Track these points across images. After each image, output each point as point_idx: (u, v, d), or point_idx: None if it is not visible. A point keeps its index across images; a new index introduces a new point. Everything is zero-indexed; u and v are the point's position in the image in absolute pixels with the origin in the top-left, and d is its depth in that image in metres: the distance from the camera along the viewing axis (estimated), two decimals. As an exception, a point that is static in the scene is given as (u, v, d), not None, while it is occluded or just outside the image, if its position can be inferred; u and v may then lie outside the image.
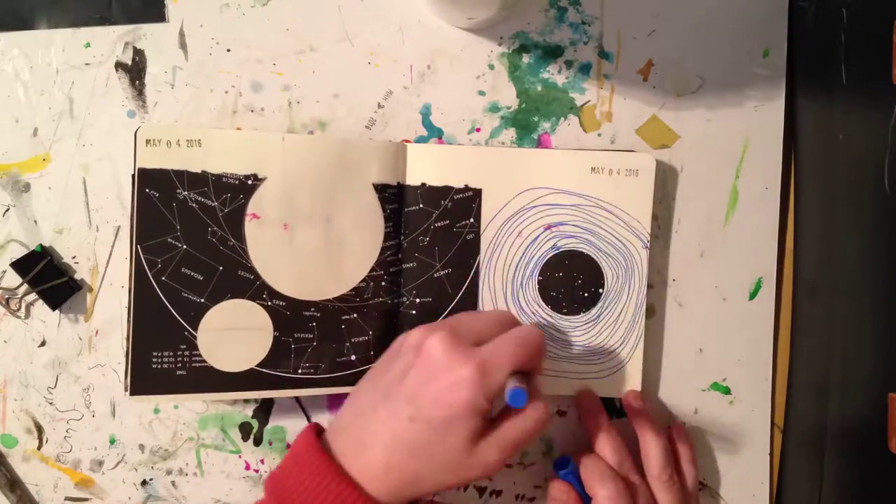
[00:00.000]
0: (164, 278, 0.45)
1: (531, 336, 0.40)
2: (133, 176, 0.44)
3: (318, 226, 0.46)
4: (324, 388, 0.46)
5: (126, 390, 0.44)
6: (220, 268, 0.45)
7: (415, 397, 0.38)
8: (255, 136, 0.46)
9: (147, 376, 0.44)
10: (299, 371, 0.46)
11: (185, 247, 0.45)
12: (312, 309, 0.46)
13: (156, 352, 0.45)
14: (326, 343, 0.46)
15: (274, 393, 0.46)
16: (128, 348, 0.44)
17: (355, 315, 0.46)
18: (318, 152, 0.46)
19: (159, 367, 0.45)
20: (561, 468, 0.46)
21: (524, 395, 0.36)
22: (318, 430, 0.41)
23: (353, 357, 0.47)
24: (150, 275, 0.44)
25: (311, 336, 0.46)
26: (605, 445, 0.46)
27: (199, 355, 0.45)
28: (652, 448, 0.45)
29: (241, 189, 0.45)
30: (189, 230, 0.45)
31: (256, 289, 0.45)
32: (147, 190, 0.44)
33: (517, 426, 0.39)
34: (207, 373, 0.45)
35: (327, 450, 0.39)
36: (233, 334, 0.45)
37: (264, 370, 0.45)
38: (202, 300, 0.45)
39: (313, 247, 0.46)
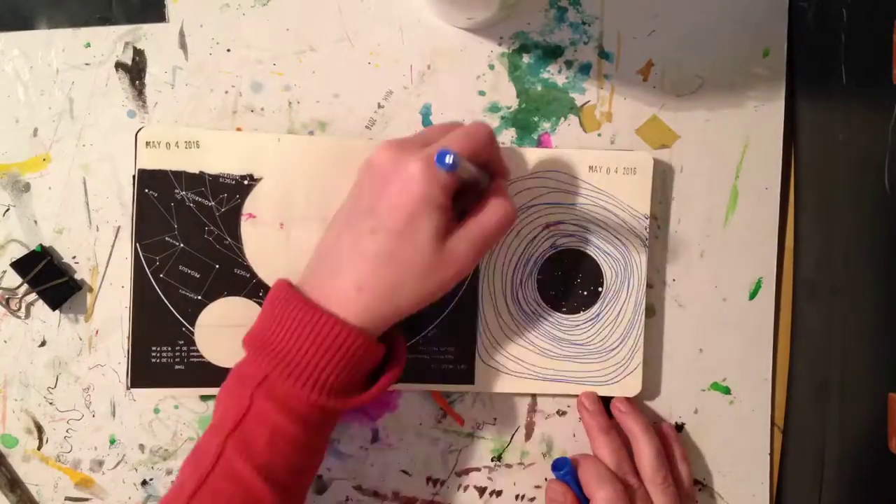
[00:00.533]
0: (162, 276, 0.46)
1: (476, 126, 0.40)
2: (134, 177, 0.45)
3: (314, 226, 0.46)
4: None
5: (127, 386, 0.45)
6: (217, 266, 0.46)
7: (372, 210, 0.38)
8: (252, 137, 0.46)
9: (146, 370, 0.46)
10: None
11: (182, 245, 0.46)
12: (310, 308, 0.46)
13: (155, 347, 0.46)
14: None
15: None
16: (129, 345, 0.46)
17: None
18: (313, 153, 0.46)
19: (158, 361, 0.46)
20: (558, 469, 0.46)
21: (451, 155, 0.35)
22: (290, 283, 0.40)
23: None
24: (148, 272, 0.46)
25: None
26: (604, 447, 0.45)
27: (197, 351, 0.46)
28: (645, 451, 0.45)
29: (238, 189, 0.46)
30: (186, 229, 0.46)
31: (252, 287, 0.46)
32: (146, 190, 0.45)
33: (483, 219, 0.39)
34: (205, 368, 0.46)
35: (299, 291, 0.39)
36: (229, 331, 0.46)
37: None
38: (199, 297, 0.46)
39: (309, 246, 0.45)
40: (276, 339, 0.38)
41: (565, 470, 0.45)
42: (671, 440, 0.48)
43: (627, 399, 0.48)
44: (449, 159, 0.35)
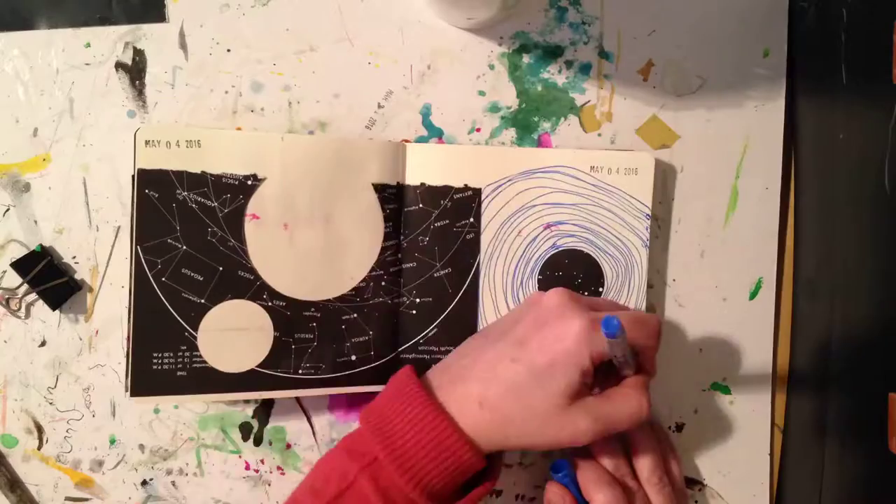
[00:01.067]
0: (164, 279, 0.44)
1: (647, 315, 0.41)
2: (133, 177, 0.44)
3: (318, 226, 0.46)
4: (324, 388, 0.46)
5: (126, 391, 0.44)
6: (220, 268, 0.45)
7: (522, 340, 0.40)
8: (255, 137, 0.46)
9: (148, 377, 0.44)
10: (300, 371, 0.46)
11: (184, 247, 0.45)
12: (312, 309, 0.46)
13: (156, 353, 0.44)
14: (327, 343, 0.46)
15: (275, 394, 0.46)
16: (128, 349, 0.44)
17: (355, 315, 0.46)
18: (317, 152, 0.46)
19: (160, 367, 0.44)
20: (557, 472, 0.46)
21: (617, 325, 0.36)
22: (416, 371, 0.42)
23: (353, 357, 0.47)
24: (150, 275, 0.44)
25: (312, 336, 0.46)
26: (602, 450, 0.45)
27: (200, 356, 0.45)
28: (641, 450, 0.45)
29: (241, 189, 0.45)
30: (189, 231, 0.45)
31: (256, 289, 0.45)
32: (146, 191, 0.44)
33: (615, 403, 0.40)
34: (208, 373, 0.45)
35: (426, 385, 0.40)
36: (233, 335, 0.45)
37: (265, 371, 0.45)
38: (202, 301, 0.45)
39: (313, 247, 0.46)
40: (394, 426, 0.39)
41: (564, 472, 0.45)
42: (661, 437, 0.48)
43: None
44: (615, 326, 0.36)
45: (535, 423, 0.39)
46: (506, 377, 0.39)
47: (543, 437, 0.39)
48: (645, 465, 0.45)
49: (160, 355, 0.45)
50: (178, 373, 0.45)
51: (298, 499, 0.40)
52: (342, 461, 0.40)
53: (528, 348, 0.39)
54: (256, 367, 0.45)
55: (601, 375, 0.42)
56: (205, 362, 0.45)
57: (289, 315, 0.46)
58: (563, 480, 0.45)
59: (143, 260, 0.44)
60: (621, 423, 0.40)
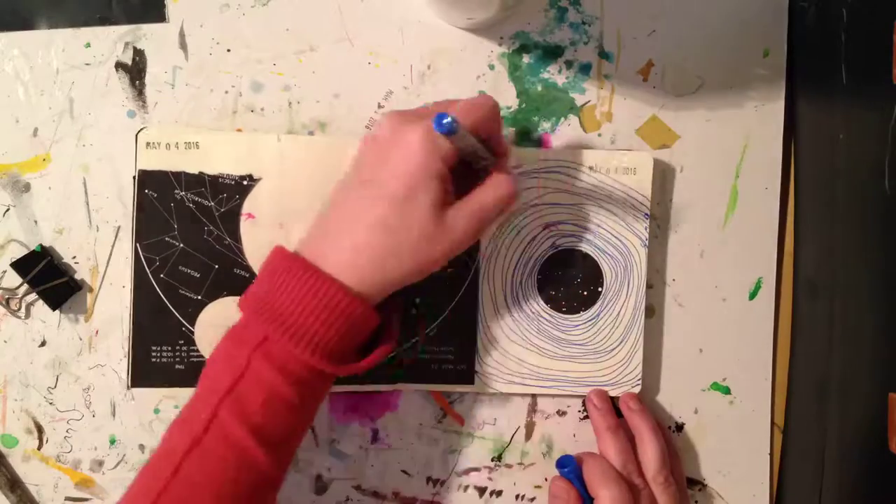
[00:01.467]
0: (162, 276, 0.46)
1: (481, 97, 0.40)
2: (134, 178, 0.45)
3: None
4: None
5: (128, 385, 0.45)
6: (216, 266, 0.46)
7: (372, 180, 0.38)
8: (252, 138, 0.46)
9: (147, 369, 0.46)
10: None
11: (182, 245, 0.46)
12: (311, 308, 0.46)
13: (155, 346, 0.46)
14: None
15: None
16: (130, 343, 0.46)
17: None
18: (313, 153, 0.46)
19: (159, 361, 0.46)
20: (563, 467, 0.46)
21: (450, 120, 0.34)
22: (286, 250, 0.40)
23: None
24: (149, 272, 0.46)
25: None
26: (610, 446, 0.46)
27: (197, 351, 0.46)
28: (649, 449, 0.45)
29: (237, 189, 0.46)
30: (186, 229, 0.46)
31: None
32: (146, 191, 0.46)
33: (482, 194, 0.39)
34: None
35: (296, 253, 0.39)
36: None
37: None
38: (199, 297, 0.46)
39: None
40: (276, 302, 0.38)
41: (570, 468, 0.45)
42: (665, 438, 0.48)
43: (637, 396, 0.48)
44: (446, 122, 0.34)
45: (416, 247, 0.38)
46: (371, 217, 0.38)
47: (428, 255, 0.38)
48: (652, 463, 0.45)
49: (159, 349, 0.46)
50: (177, 366, 0.46)
51: (191, 403, 0.38)
52: (229, 352, 0.38)
53: (381, 182, 0.38)
54: None
55: (464, 180, 0.40)
56: (201, 357, 0.46)
57: None
58: (569, 476, 0.45)
59: (142, 257, 0.46)
60: (495, 209, 0.40)
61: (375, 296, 0.39)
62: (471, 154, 0.39)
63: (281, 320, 0.37)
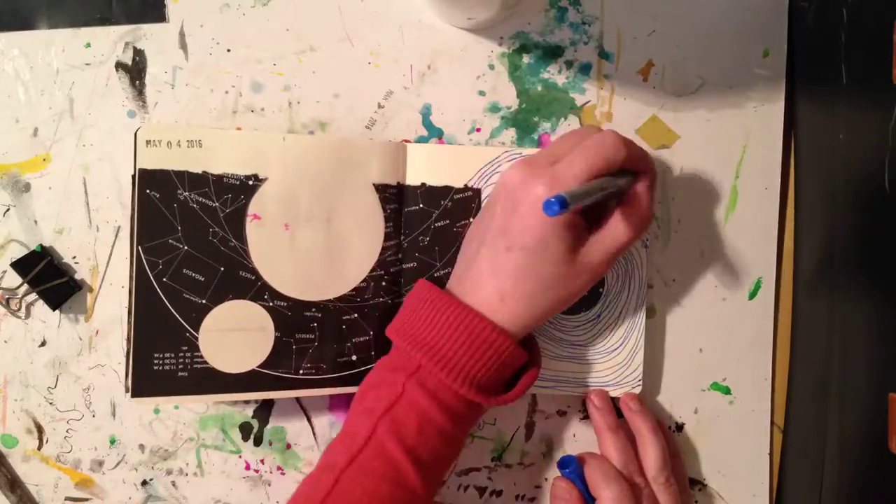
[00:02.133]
0: (165, 279, 0.44)
1: (602, 137, 0.40)
2: (133, 177, 0.44)
3: (319, 226, 0.46)
4: (325, 388, 0.46)
5: (127, 392, 0.44)
6: (222, 269, 0.45)
7: (505, 229, 0.40)
8: (256, 137, 0.45)
9: (148, 378, 0.44)
10: (301, 372, 0.46)
11: (186, 248, 0.44)
12: (313, 309, 0.46)
13: (157, 353, 0.44)
14: (328, 343, 0.46)
15: (276, 394, 0.46)
16: (128, 350, 0.44)
17: (356, 315, 0.46)
18: (318, 152, 0.46)
19: (161, 368, 0.44)
20: (565, 467, 0.46)
21: (556, 201, 0.34)
22: (434, 285, 0.43)
23: (354, 357, 0.46)
24: (151, 276, 0.44)
25: (313, 336, 0.46)
26: (611, 446, 0.46)
27: (201, 356, 0.44)
28: (650, 449, 0.45)
29: (242, 189, 0.45)
30: (190, 231, 0.44)
31: (258, 289, 0.45)
32: (148, 191, 0.44)
33: (614, 227, 0.41)
34: (209, 374, 0.45)
35: (446, 290, 0.43)
36: (234, 335, 0.45)
37: (266, 371, 0.45)
38: (203, 301, 0.45)
39: (314, 247, 0.46)
40: (429, 334, 0.40)
41: (571, 468, 0.45)
42: (667, 438, 0.48)
43: (637, 397, 0.48)
44: (553, 208, 0.34)
45: (554, 288, 0.40)
46: (510, 268, 0.40)
47: (568, 292, 0.41)
48: (653, 463, 0.45)
49: (161, 356, 0.44)
50: (180, 373, 0.44)
51: (350, 423, 0.41)
52: (386, 377, 0.41)
53: (513, 234, 0.40)
54: (257, 367, 0.45)
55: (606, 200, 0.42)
56: (206, 363, 0.45)
57: (290, 315, 0.45)
58: (570, 476, 0.45)
59: (144, 260, 0.44)
60: (628, 240, 0.41)
61: (520, 333, 0.41)
62: (600, 196, 0.39)
63: (434, 352, 0.40)
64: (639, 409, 0.47)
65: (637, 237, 0.41)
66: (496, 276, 0.40)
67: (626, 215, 0.41)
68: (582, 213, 0.41)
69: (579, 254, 0.40)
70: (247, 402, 0.49)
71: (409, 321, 0.42)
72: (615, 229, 0.41)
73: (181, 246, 0.44)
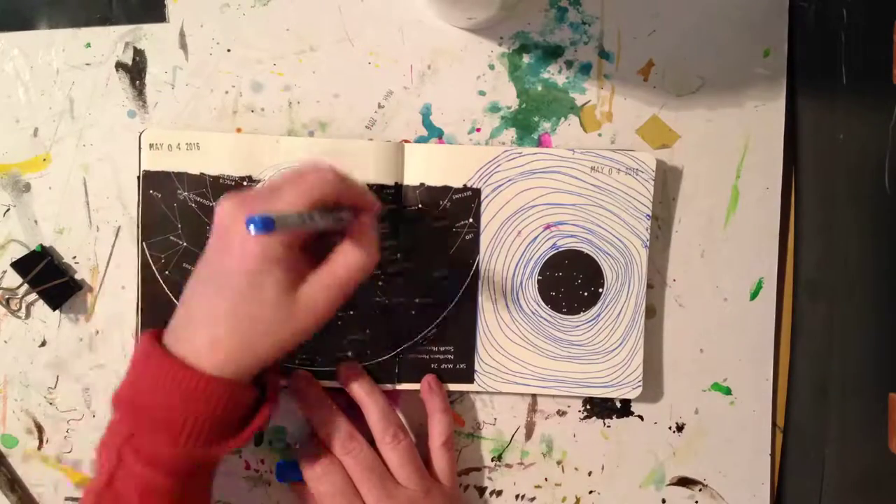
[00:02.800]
0: (167, 272, 0.47)
1: (315, 171, 0.39)
2: (138, 178, 0.46)
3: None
4: (320, 380, 0.47)
5: None
6: None
7: (218, 270, 0.38)
8: (251, 139, 0.47)
9: None
10: (296, 362, 0.47)
11: (185, 244, 0.46)
12: (308, 305, 0.47)
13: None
14: (323, 338, 0.46)
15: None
16: (137, 337, 0.47)
17: (352, 313, 0.47)
18: (312, 154, 0.46)
19: None
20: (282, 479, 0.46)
21: (260, 220, 0.33)
22: (158, 335, 0.40)
23: (349, 354, 0.47)
24: (155, 269, 0.46)
25: None
26: (322, 427, 0.45)
27: None
28: (368, 412, 0.45)
29: (238, 190, 0.45)
30: (189, 228, 0.46)
31: None
32: (151, 191, 0.46)
33: (335, 266, 0.39)
34: None
35: (162, 345, 0.39)
36: None
37: None
38: None
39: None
40: (141, 394, 0.38)
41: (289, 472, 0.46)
42: (433, 392, 0.47)
43: (354, 366, 0.47)
44: (254, 227, 0.33)
45: (272, 332, 0.38)
46: (221, 310, 0.38)
47: (288, 335, 0.38)
48: (375, 426, 0.45)
49: None
50: None
51: (83, 494, 0.39)
52: (107, 445, 0.39)
53: (225, 273, 0.38)
54: None
55: (328, 237, 0.40)
56: None
57: None
58: (293, 478, 0.45)
59: (148, 255, 0.46)
60: (349, 280, 0.39)
61: (243, 375, 0.39)
62: (316, 226, 0.38)
63: (144, 413, 0.37)
64: (354, 374, 0.46)
65: (359, 274, 0.39)
66: (209, 322, 0.38)
67: (345, 252, 0.39)
68: (309, 254, 0.40)
69: (298, 296, 0.38)
70: (246, 402, 0.49)
71: (128, 381, 0.39)
72: (334, 266, 0.39)
73: (181, 242, 0.46)
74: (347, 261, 0.39)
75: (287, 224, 0.35)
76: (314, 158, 0.44)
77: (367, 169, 0.46)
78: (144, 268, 0.46)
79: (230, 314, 0.37)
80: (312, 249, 0.40)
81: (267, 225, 0.33)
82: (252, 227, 0.33)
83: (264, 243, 0.37)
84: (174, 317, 0.40)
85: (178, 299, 0.46)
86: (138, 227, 0.46)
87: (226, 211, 0.38)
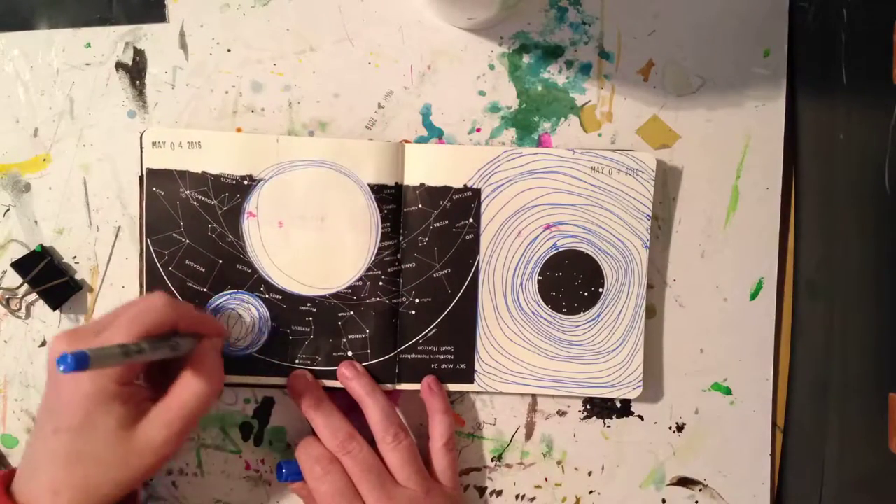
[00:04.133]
0: (170, 269, 0.47)
1: (147, 300, 0.38)
2: (141, 177, 0.46)
3: (312, 224, 0.47)
4: (320, 380, 0.47)
5: None
6: (220, 261, 0.47)
7: (52, 409, 0.37)
8: (251, 138, 0.47)
9: None
10: (296, 361, 0.47)
11: (188, 241, 0.47)
12: (308, 304, 0.47)
13: None
14: (323, 338, 0.47)
15: (270, 380, 0.47)
16: None
17: (352, 313, 0.47)
18: (311, 154, 0.46)
19: None
20: (282, 476, 0.46)
21: (69, 359, 0.31)
22: (8, 479, 0.39)
23: (349, 353, 0.47)
24: (158, 265, 0.47)
25: (308, 330, 0.47)
26: (321, 427, 0.45)
27: None
28: (369, 413, 0.45)
29: (238, 188, 0.47)
30: (191, 226, 0.47)
31: (254, 282, 0.47)
32: (154, 188, 0.47)
33: (173, 400, 0.38)
34: None
35: (9, 493, 0.37)
36: (234, 321, 0.47)
37: (262, 357, 0.47)
38: (205, 290, 0.47)
39: (307, 245, 0.47)
40: None
41: (288, 471, 0.45)
42: (433, 393, 0.47)
43: (352, 364, 0.47)
44: (63, 367, 0.31)
45: (113, 471, 0.36)
46: (61, 452, 0.36)
47: (132, 472, 0.37)
48: (376, 426, 0.44)
49: None
50: None
51: None
52: None
53: (60, 413, 0.36)
54: (255, 353, 0.47)
55: (173, 364, 0.39)
56: None
57: (285, 308, 0.47)
58: (293, 478, 0.45)
59: (152, 251, 0.47)
60: (189, 412, 0.38)
61: None
62: (145, 358, 0.37)
63: None
64: (354, 374, 0.46)
65: (199, 407, 0.38)
66: (49, 464, 0.36)
67: (183, 385, 0.38)
68: (157, 383, 0.39)
69: (136, 433, 0.37)
70: (247, 401, 0.49)
71: None
72: (172, 401, 0.38)
73: (183, 239, 0.47)
74: (186, 395, 0.38)
75: (107, 358, 0.34)
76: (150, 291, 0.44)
77: (367, 169, 0.46)
78: (148, 263, 0.47)
79: (70, 454, 0.36)
80: (160, 378, 0.39)
81: (80, 362, 0.31)
82: (62, 366, 0.31)
83: (95, 382, 0.36)
84: (21, 459, 0.39)
85: (181, 296, 0.47)
86: (140, 225, 0.47)
87: (55, 349, 0.37)
